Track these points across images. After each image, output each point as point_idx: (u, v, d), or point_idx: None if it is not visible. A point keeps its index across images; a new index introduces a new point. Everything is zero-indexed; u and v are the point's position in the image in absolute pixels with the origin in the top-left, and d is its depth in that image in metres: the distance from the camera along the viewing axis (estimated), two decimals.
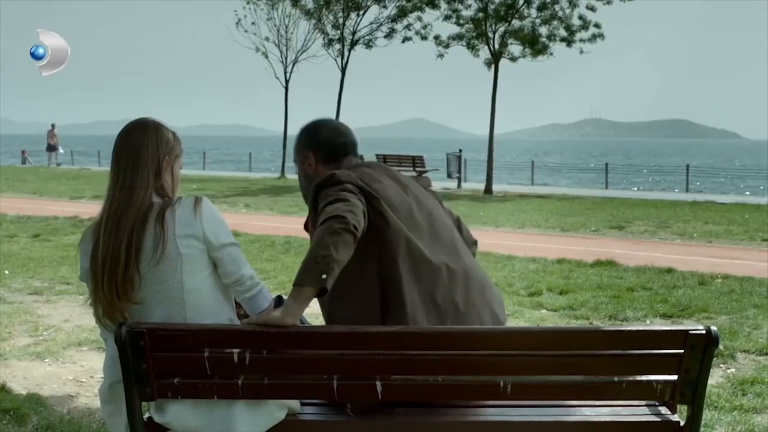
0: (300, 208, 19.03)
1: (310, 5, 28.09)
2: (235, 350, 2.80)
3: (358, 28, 28.10)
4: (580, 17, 24.22)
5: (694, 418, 2.89)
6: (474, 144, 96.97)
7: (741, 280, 8.98)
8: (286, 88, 30.86)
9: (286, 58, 30.36)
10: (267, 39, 30.36)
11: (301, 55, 30.11)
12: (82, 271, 2.98)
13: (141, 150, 2.92)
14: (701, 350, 2.78)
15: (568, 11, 24.07)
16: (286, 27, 29.72)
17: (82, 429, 4.39)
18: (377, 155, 30.28)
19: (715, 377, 5.45)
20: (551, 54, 24.38)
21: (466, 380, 2.85)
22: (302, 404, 3.05)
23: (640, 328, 3.00)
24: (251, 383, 2.83)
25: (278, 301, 3.15)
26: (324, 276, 2.65)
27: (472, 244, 3.46)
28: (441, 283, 3.04)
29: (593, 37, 24.19)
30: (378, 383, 2.81)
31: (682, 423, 2.95)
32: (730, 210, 18.29)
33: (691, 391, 2.84)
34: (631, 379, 2.85)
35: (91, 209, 16.86)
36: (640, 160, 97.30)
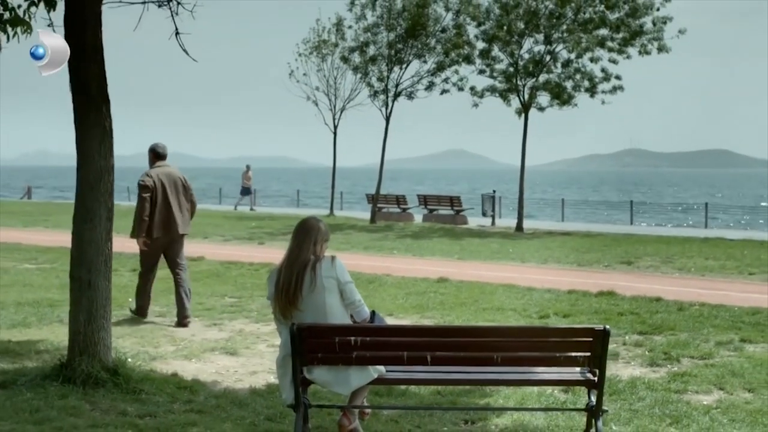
0: (350, 246, 21.49)
1: (357, 60, 30.83)
2: (352, 338, 5.28)
3: (401, 81, 30.70)
4: (602, 70, 26.79)
5: (601, 377, 5.29)
6: (511, 174, 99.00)
7: (713, 307, 11.19)
8: (335, 134, 33.50)
9: (334, 107, 33.05)
10: (317, 89, 33.06)
11: (348, 104, 32.72)
12: (269, 293, 5.52)
13: (308, 232, 5.47)
14: (601, 338, 5.18)
15: (590, 67, 26.72)
16: (335, 78, 32.45)
17: (238, 397, 6.88)
18: (418, 195, 32.75)
19: (661, 373, 7.80)
20: (575, 105, 27.00)
21: (476, 355, 5.30)
22: (387, 370, 5.52)
23: (569, 326, 5.43)
24: (360, 356, 5.31)
25: (372, 314, 5.64)
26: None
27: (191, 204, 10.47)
28: (169, 211, 10.13)
29: (614, 89, 26.82)
30: (428, 356, 5.27)
31: (596, 380, 5.36)
32: (734, 246, 20.36)
33: (598, 361, 5.25)
34: (566, 354, 5.27)
35: None
36: (671, 193, 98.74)
